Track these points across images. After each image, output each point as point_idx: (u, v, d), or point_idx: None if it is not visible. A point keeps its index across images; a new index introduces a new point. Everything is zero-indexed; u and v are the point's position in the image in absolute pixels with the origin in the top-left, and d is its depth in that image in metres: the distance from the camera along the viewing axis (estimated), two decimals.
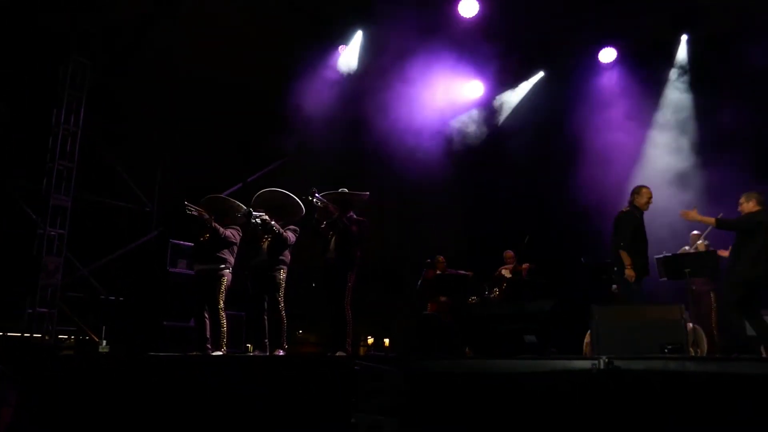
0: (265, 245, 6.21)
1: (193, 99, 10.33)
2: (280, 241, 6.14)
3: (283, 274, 6.21)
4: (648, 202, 6.59)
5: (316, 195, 5.92)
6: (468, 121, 11.84)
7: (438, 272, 9.55)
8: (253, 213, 6.04)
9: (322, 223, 6.04)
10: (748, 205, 6.32)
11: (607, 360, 3.83)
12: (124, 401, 5.30)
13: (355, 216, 6.17)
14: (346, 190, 6.32)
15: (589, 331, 5.80)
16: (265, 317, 6.21)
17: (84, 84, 9.07)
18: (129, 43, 9.74)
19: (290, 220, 6.41)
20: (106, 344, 8.42)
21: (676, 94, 10.23)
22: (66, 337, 9.66)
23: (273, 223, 6.07)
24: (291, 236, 6.25)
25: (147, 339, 8.31)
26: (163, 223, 10.14)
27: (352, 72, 11.23)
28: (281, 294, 6.20)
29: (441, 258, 9.70)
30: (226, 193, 11.08)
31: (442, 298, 9.11)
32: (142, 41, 10.02)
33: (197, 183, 11.23)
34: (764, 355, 5.99)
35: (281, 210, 6.32)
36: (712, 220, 6.38)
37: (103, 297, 9.59)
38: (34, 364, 6.42)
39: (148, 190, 10.18)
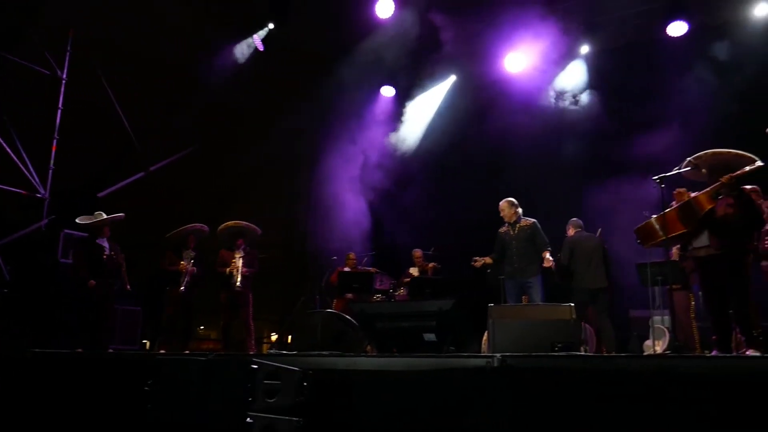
0: (238, 275, 7.88)
1: (94, 78, 9.83)
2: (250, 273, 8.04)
3: (251, 295, 8.08)
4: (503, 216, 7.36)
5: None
6: None
7: (347, 269, 9.52)
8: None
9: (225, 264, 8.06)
10: (569, 232, 7.74)
11: (500, 357, 3.96)
12: (11, 401, 5.00)
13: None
14: None
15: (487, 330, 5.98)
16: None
17: None
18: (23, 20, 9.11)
19: (253, 239, 8.21)
20: None
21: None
22: None
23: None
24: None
25: (34, 334, 7.84)
26: (55, 211, 9.51)
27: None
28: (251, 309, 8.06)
29: (352, 255, 9.68)
30: (128, 181, 10.67)
31: (349, 296, 9.11)
32: (36, 15, 9.40)
33: (95, 168, 10.70)
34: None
35: (241, 235, 8.08)
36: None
37: None
38: None
39: (41, 175, 9.51)
